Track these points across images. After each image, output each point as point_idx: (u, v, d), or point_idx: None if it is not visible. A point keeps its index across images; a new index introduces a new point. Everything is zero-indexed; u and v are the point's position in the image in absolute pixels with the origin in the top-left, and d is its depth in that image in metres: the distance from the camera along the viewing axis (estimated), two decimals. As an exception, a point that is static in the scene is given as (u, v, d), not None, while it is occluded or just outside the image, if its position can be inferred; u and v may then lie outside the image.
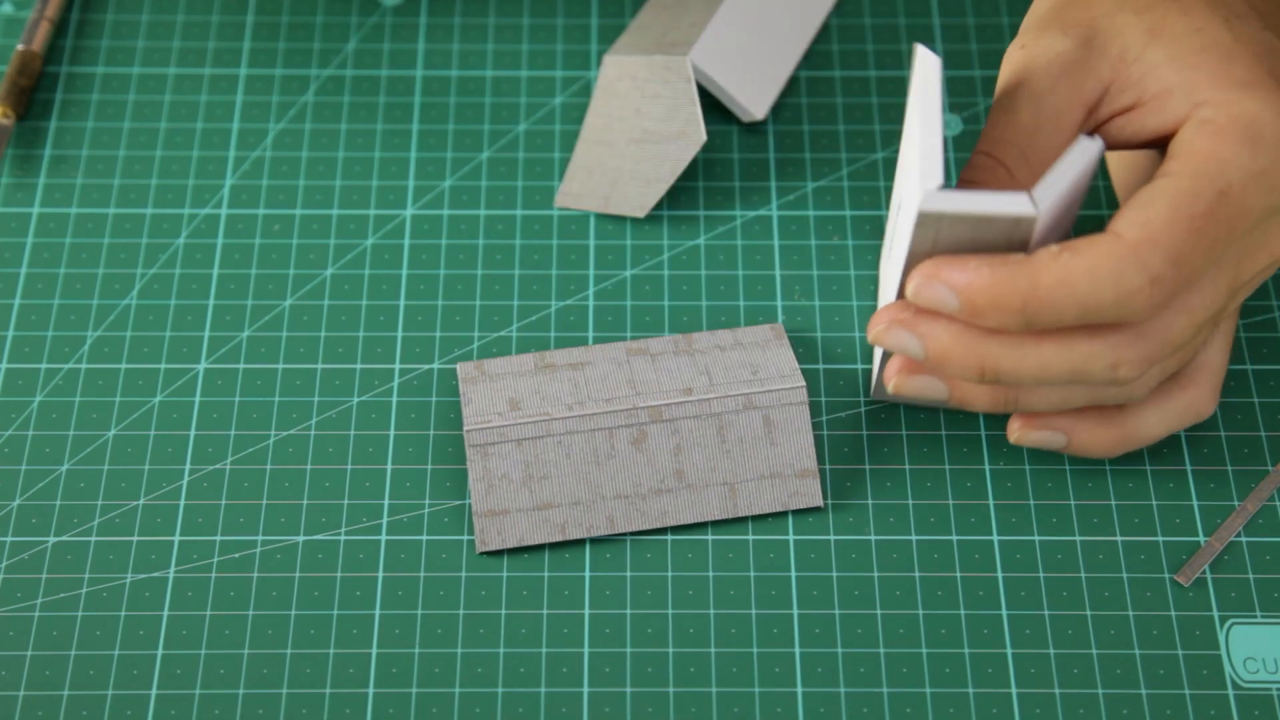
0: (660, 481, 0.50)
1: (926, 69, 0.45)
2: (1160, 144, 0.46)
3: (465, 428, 0.50)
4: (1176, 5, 0.46)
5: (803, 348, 0.53)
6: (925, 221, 0.43)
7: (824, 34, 0.60)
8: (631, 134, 0.47)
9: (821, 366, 0.53)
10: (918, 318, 0.45)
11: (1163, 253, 0.42)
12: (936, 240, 0.44)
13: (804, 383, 0.51)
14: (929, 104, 0.44)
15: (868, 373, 0.53)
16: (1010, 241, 0.44)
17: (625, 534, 0.50)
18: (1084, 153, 0.44)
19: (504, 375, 0.51)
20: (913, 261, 0.45)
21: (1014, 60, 0.47)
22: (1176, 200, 0.42)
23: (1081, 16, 0.47)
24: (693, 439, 0.50)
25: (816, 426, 0.52)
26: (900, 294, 0.47)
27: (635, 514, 0.50)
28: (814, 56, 0.60)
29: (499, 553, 0.50)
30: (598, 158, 0.46)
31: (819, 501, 0.50)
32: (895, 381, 0.47)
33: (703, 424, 0.50)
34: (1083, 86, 0.46)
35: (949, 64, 0.60)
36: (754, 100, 0.50)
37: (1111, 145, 0.47)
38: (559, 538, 0.49)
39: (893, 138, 0.58)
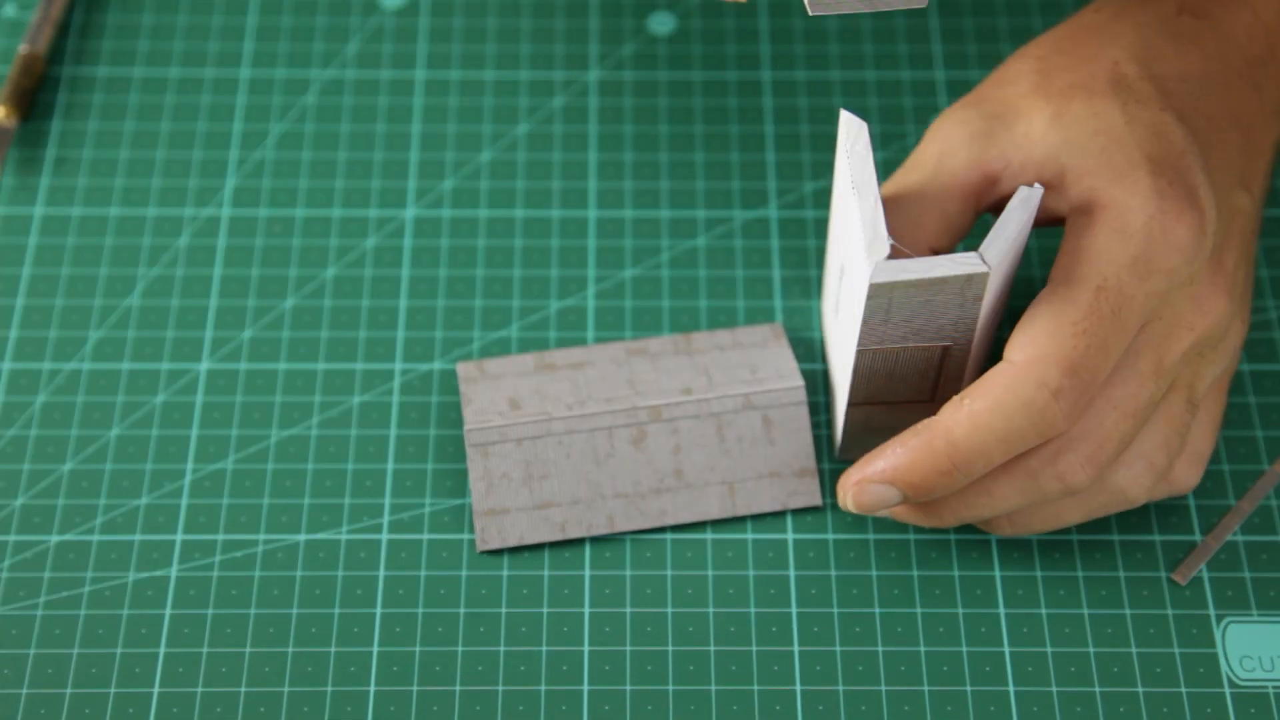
0: (660, 481, 0.50)
1: (853, 134, 0.45)
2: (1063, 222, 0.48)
3: (466, 427, 0.50)
4: (1083, 89, 0.47)
5: (802, 348, 0.54)
6: (878, 292, 0.43)
7: (822, 35, 0.61)
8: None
9: (821, 366, 0.53)
10: (881, 475, 0.46)
11: (1054, 365, 0.43)
12: (890, 307, 0.44)
13: (803, 382, 0.51)
14: (863, 171, 0.45)
15: None
16: (964, 299, 0.44)
17: (625, 533, 0.50)
18: (1025, 202, 0.44)
19: (504, 375, 0.51)
20: (868, 331, 0.45)
21: (931, 126, 0.49)
22: (1055, 310, 0.44)
23: (999, 95, 0.48)
24: (692, 438, 0.50)
25: (816, 426, 0.52)
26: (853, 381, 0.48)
27: (635, 513, 0.50)
28: (812, 59, 0.60)
29: (499, 551, 0.50)
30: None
31: (818, 500, 0.50)
32: (853, 496, 0.47)
33: (702, 424, 0.50)
34: (984, 155, 0.47)
35: (949, 64, 0.60)
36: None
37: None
38: (559, 537, 0.49)
39: (892, 139, 0.58)
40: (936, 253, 0.48)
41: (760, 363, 0.51)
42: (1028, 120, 0.47)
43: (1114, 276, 0.44)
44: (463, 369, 0.52)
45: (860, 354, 0.46)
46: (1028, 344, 0.44)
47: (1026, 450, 0.45)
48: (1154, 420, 0.46)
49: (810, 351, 0.53)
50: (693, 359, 0.52)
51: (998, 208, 0.48)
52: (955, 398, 0.45)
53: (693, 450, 0.50)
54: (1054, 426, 0.43)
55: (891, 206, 0.48)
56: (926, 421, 0.45)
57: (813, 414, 0.52)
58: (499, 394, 0.51)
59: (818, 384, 0.53)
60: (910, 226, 0.47)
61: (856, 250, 0.44)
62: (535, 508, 0.50)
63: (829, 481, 0.51)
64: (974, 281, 0.43)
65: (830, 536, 0.50)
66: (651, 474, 0.50)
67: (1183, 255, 0.44)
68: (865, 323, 0.45)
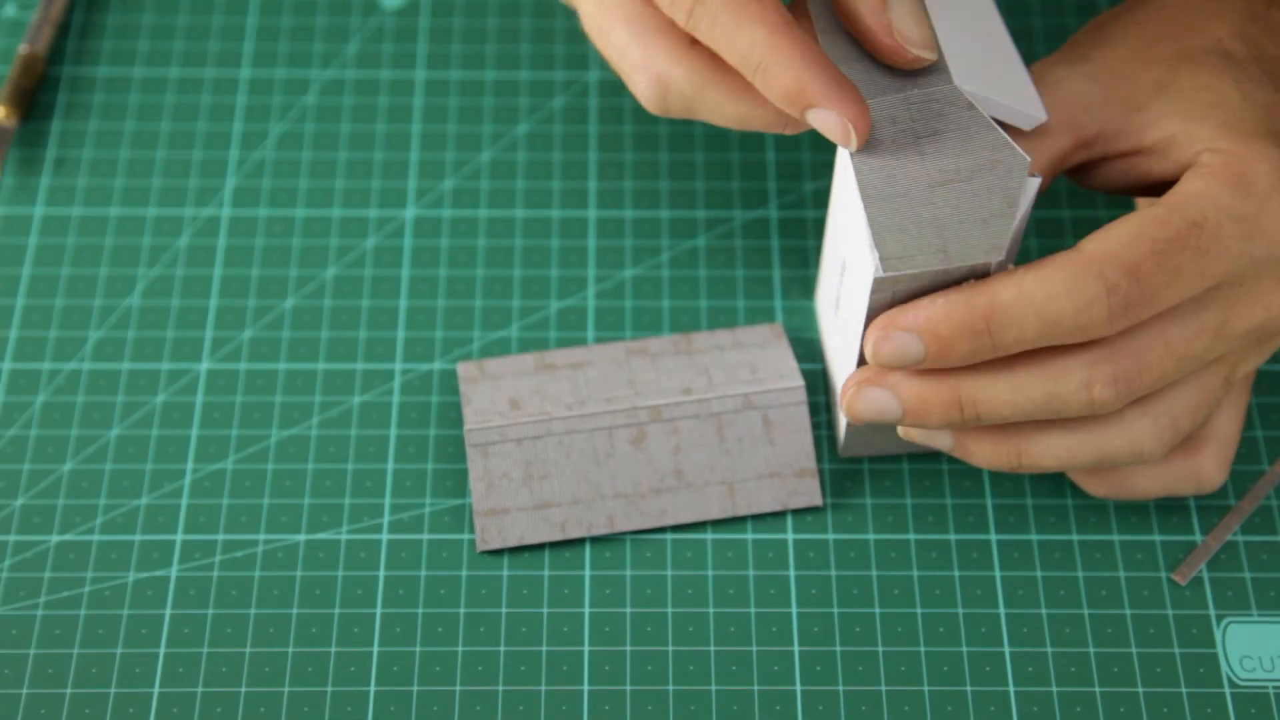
0: (660, 481, 0.50)
1: None
2: (1160, 190, 0.47)
3: (466, 427, 0.50)
4: (1187, 62, 0.46)
5: (802, 348, 0.54)
6: (881, 286, 0.43)
7: (823, 35, 0.61)
8: (929, 178, 0.44)
9: (821, 366, 0.53)
10: (885, 374, 0.45)
11: (1120, 265, 0.42)
12: (894, 300, 0.44)
13: (803, 382, 0.51)
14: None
15: None
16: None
17: (625, 533, 0.50)
18: (1026, 191, 0.44)
19: (504, 375, 0.51)
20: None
21: (1033, 73, 0.47)
22: (1143, 223, 0.43)
23: (1099, 56, 0.47)
24: (692, 438, 0.50)
25: (816, 426, 0.52)
26: (860, 360, 0.47)
27: (635, 513, 0.50)
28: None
29: (499, 551, 0.50)
30: (900, 212, 0.44)
31: (818, 501, 0.50)
32: (850, 397, 0.46)
33: (702, 424, 0.50)
34: (1079, 119, 0.46)
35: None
36: (1026, 101, 0.46)
37: (1105, 188, 0.48)
38: (559, 537, 0.49)
39: (891, 139, 0.58)
40: None
41: (760, 363, 0.51)
42: (1131, 86, 0.46)
43: (1216, 219, 0.43)
44: (463, 369, 0.52)
45: (865, 348, 0.46)
46: (1101, 240, 0.43)
47: (1062, 348, 0.44)
48: (1190, 382, 0.45)
49: (810, 351, 0.53)
50: (693, 359, 0.52)
51: (1076, 172, 0.48)
52: (1010, 267, 0.43)
53: (693, 450, 0.50)
54: (1097, 323, 0.42)
55: None
56: (971, 282, 0.44)
57: (813, 414, 0.52)
58: (499, 394, 0.51)
59: (818, 384, 0.53)
60: None
61: (860, 244, 0.44)
62: (535, 508, 0.50)
63: (829, 482, 0.51)
64: (977, 271, 0.43)
65: (830, 536, 0.50)
66: (651, 474, 0.50)
67: None
68: (870, 316, 0.45)
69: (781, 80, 0.43)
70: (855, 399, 0.46)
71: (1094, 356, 0.43)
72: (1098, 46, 0.47)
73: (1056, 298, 0.42)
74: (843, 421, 0.50)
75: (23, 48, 0.59)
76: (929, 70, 0.45)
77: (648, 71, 0.45)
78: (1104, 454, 0.46)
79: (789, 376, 0.51)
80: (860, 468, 0.51)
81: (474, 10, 0.62)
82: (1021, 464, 0.46)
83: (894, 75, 0.45)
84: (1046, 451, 0.46)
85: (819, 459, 0.51)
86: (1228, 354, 0.45)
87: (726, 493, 0.50)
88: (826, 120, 0.43)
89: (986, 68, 0.46)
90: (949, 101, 0.44)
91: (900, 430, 0.47)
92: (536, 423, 0.50)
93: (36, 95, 0.59)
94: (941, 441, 0.47)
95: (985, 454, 0.46)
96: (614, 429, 0.50)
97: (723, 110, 0.45)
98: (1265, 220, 0.43)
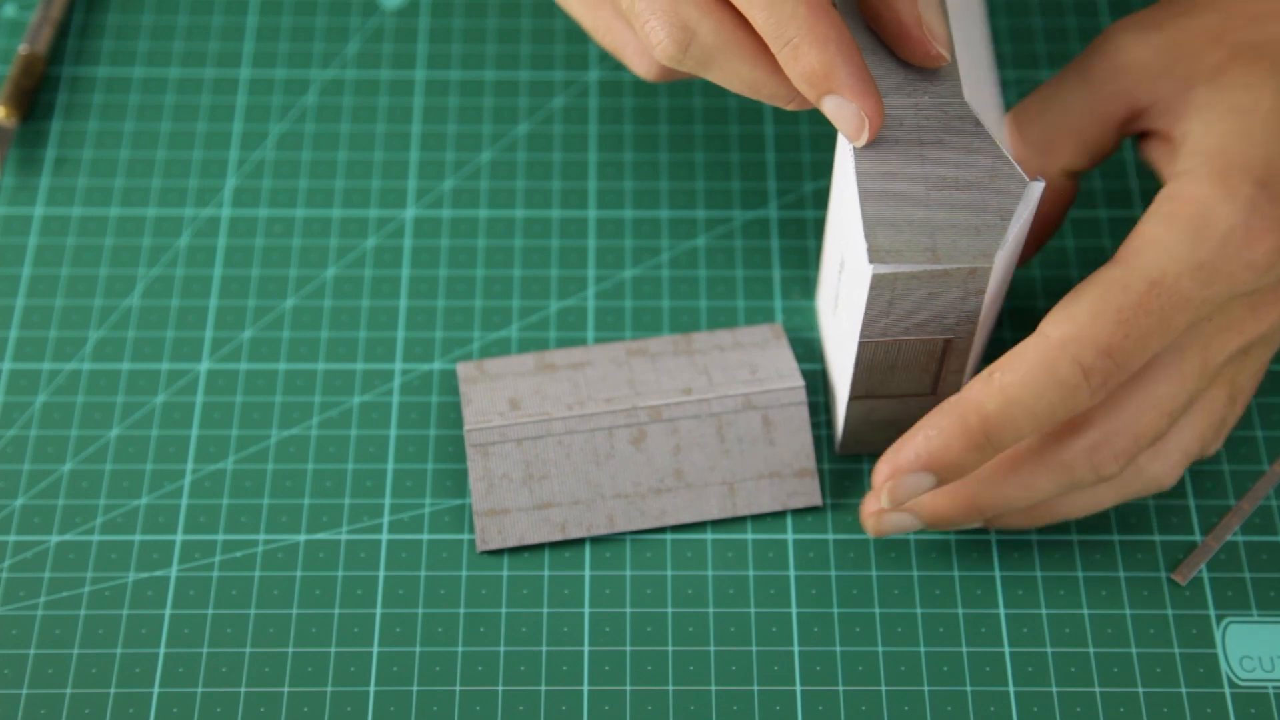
0: (660, 481, 0.50)
1: None
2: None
3: (466, 427, 0.50)
4: (1249, 54, 0.45)
5: (802, 348, 0.54)
6: (880, 283, 0.43)
7: (823, 36, 0.61)
8: (927, 182, 0.44)
9: (822, 366, 0.53)
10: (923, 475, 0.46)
11: (1091, 347, 0.43)
12: (893, 299, 0.44)
13: (803, 382, 0.51)
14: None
15: None
16: (966, 292, 0.44)
17: (625, 533, 0.50)
18: (1028, 196, 0.44)
19: (504, 375, 0.51)
20: (870, 323, 0.45)
21: (1107, 35, 0.47)
22: (1105, 292, 0.43)
23: (1180, 25, 0.47)
24: (692, 439, 0.50)
25: (815, 426, 0.52)
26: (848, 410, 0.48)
27: (635, 513, 0.50)
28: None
29: (499, 552, 0.50)
30: (895, 209, 0.44)
31: (818, 501, 0.50)
32: (872, 525, 0.48)
33: (702, 424, 0.50)
34: (1134, 89, 0.46)
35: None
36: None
37: (1147, 162, 0.48)
38: (559, 537, 0.49)
39: (891, 139, 0.58)
40: (1072, 175, 0.48)
41: (760, 363, 0.51)
42: (1192, 64, 0.45)
43: (1174, 275, 0.43)
44: (463, 369, 0.52)
45: (862, 346, 0.46)
46: (1066, 321, 0.43)
47: (1059, 436, 0.45)
48: (1193, 412, 0.46)
49: (810, 351, 0.53)
50: (693, 359, 0.52)
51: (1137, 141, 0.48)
52: (984, 372, 0.44)
53: (693, 450, 0.50)
54: (1081, 404, 0.43)
55: (1029, 118, 0.47)
56: (952, 401, 0.44)
57: (813, 414, 0.52)
58: (499, 394, 0.51)
59: (818, 384, 0.53)
60: (1045, 144, 0.46)
61: (855, 240, 0.44)
62: (535, 508, 0.50)
63: (829, 482, 0.51)
64: (977, 275, 0.43)
65: (830, 536, 0.50)
66: (651, 474, 0.50)
67: (1253, 273, 0.43)
68: (868, 314, 0.45)
69: (809, 60, 0.42)
70: (879, 525, 0.47)
71: (1091, 444, 0.45)
72: (1175, 16, 0.47)
73: (1042, 395, 0.43)
74: (840, 418, 0.50)
75: (23, 48, 0.59)
76: (941, 79, 0.45)
77: (674, 17, 0.43)
78: (1126, 496, 0.47)
79: (789, 376, 0.51)
80: (860, 467, 0.51)
81: (474, 10, 0.62)
82: (1056, 519, 0.48)
83: (906, 79, 0.45)
84: (1075, 508, 0.48)
85: (819, 459, 0.51)
86: (1219, 376, 0.46)
87: (727, 493, 0.50)
88: (843, 109, 0.43)
89: (981, 95, 0.46)
90: (958, 115, 0.44)
91: (869, 529, 0.48)
92: (536, 423, 0.50)
93: (36, 95, 0.59)
94: (914, 527, 0.48)
95: (1020, 524, 0.49)
96: (614, 429, 0.50)
97: (738, 72, 0.44)
98: (1222, 264, 0.43)
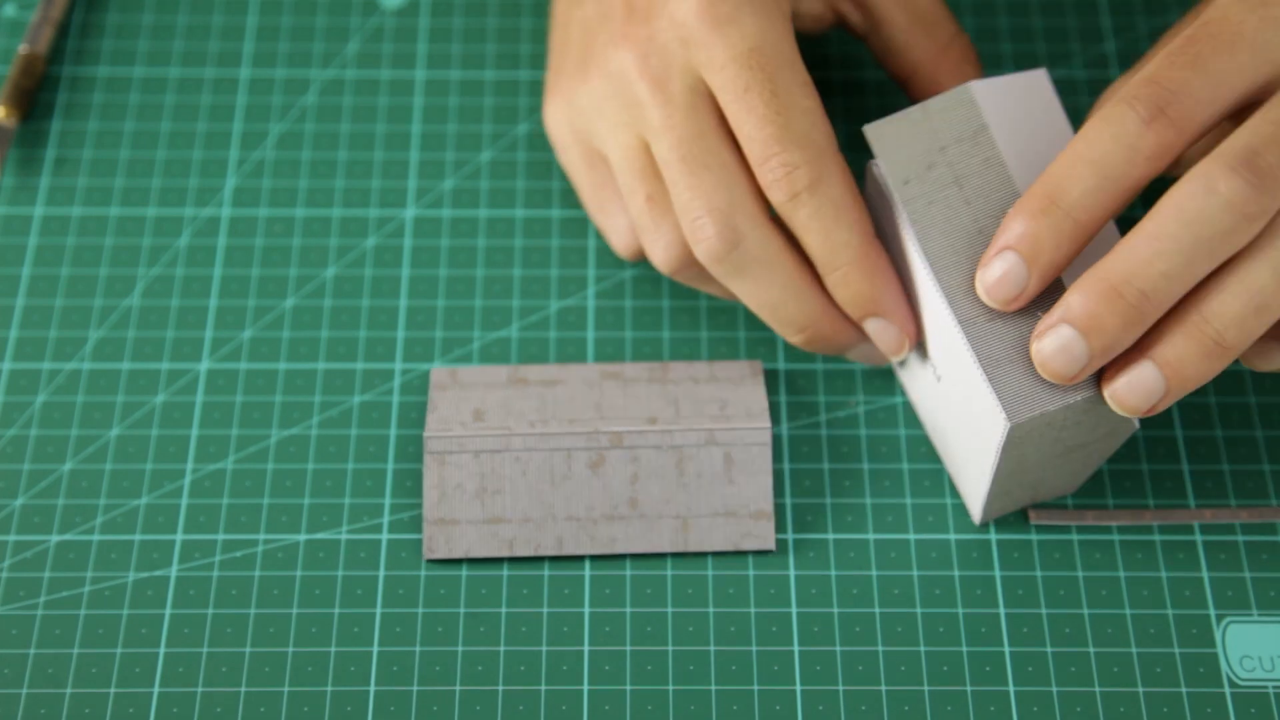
0: (613, 508, 0.50)
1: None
2: None
3: (425, 433, 0.50)
4: None
5: (803, 379, 0.54)
6: (1014, 441, 0.44)
7: (822, 37, 0.61)
8: (1051, 451, 0.46)
9: (793, 399, 0.53)
10: (1044, 316, 0.44)
11: (1137, 82, 0.42)
12: (1024, 440, 0.45)
13: (769, 424, 0.50)
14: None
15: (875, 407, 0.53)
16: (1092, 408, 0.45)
17: (579, 556, 0.50)
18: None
19: (475, 385, 0.51)
20: (1004, 462, 0.45)
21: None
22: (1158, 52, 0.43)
23: None
24: (651, 468, 0.50)
25: (777, 469, 0.52)
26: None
27: (585, 538, 0.49)
28: (812, 59, 0.60)
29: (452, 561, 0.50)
30: (1015, 481, 0.47)
31: (771, 545, 0.49)
32: (1042, 358, 0.43)
33: (662, 455, 0.50)
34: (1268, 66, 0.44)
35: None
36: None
37: None
38: (506, 553, 0.49)
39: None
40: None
41: (732, 399, 0.51)
42: None
43: (1227, 11, 0.42)
44: (436, 375, 0.52)
45: (1000, 467, 0.46)
46: (1125, 84, 0.44)
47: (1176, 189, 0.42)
48: None
49: (794, 384, 0.53)
50: (665, 388, 0.51)
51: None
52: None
53: (650, 480, 0.50)
54: (1132, 135, 0.41)
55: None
56: (1012, 210, 0.43)
57: (775, 453, 0.52)
58: (465, 404, 0.51)
59: (782, 415, 0.53)
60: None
61: (970, 379, 0.45)
62: (485, 521, 0.49)
63: (829, 482, 0.51)
64: (1093, 403, 0.44)
65: (830, 536, 0.50)
66: (606, 500, 0.50)
67: None
68: (1001, 459, 0.45)
69: (859, 286, 0.47)
70: (1040, 346, 0.43)
71: (1204, 168, 0.41)
72: None
73: (1094, 139, 0.42)
74: (980, 497, 0.48)
75: (23, 48, 0.59)
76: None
77: (727, 220, 0.47)
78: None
79: (757, 417, 0.50)
80: (859, 467, 0.51)
81: (474, 10, 0.62)
82: (1222, 336, 0.42)
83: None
84: (1231, 302, 0.42)
85: (819, 459, 0.51)
86: None
87: (680, 527, 0.49)
88: (886, 331, 0.48)
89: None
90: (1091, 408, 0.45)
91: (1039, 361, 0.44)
92: (496, 436, 0.50)
93: (36, 95, 0.59)
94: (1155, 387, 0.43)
95: (1186, 353, 0.43)
96: (573, 451, 0.50)
97: (767, 288, 0.48)
98: None
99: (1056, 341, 0.42)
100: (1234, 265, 0.42)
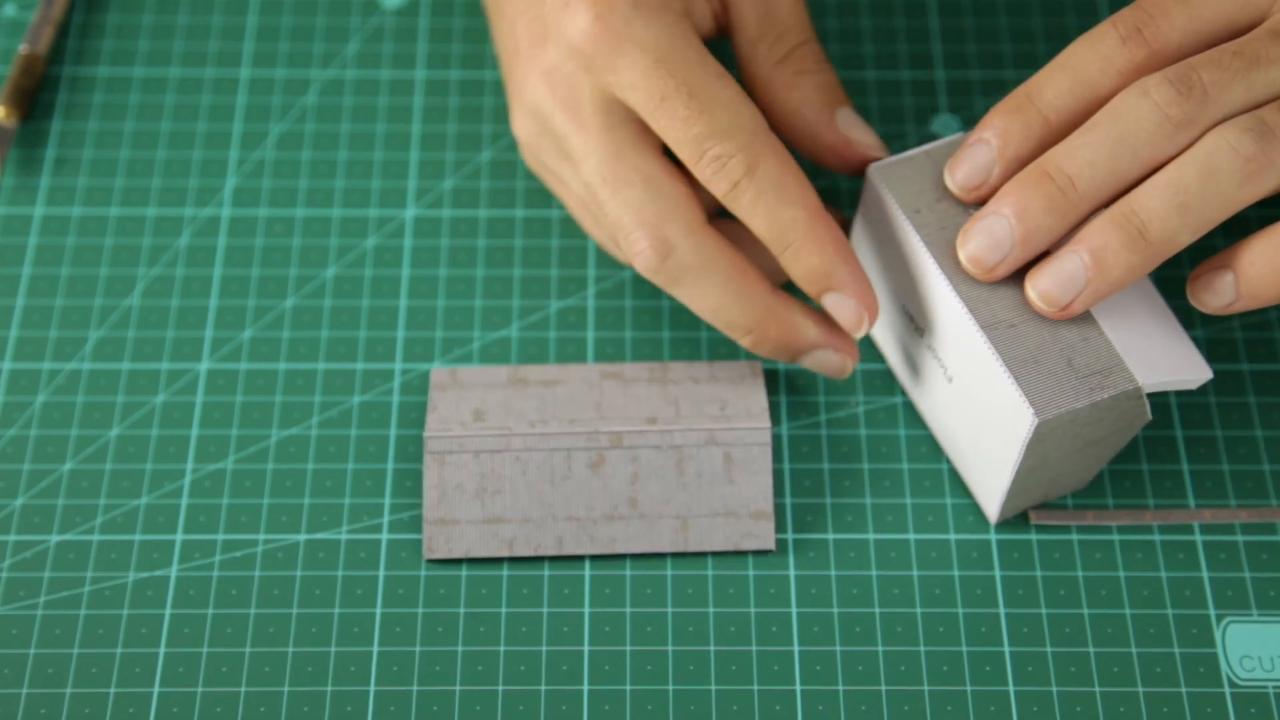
0: (613, 508, 0.50)
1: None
2: None
3: (425, 433, 0.50)
4: None
5: (803, 379, 0.53)
6: (1039, 437, 0.45)
7: (822, 36, 0.61)
8: (1070, 448, 0.46)
9: (791, 399, 0.53)
10: (994, 214, 0.45)
11: (1131, 7, 0.45)
12: (1047, 437, 0.45)
13: (769, 424, 0.50)
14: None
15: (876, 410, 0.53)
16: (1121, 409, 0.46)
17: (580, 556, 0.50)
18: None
19: (475, 385, 0.51)
20: (1028, 457, 0.46)
21: None
22: None
23: None
24: (651, 468, 0.50)
25: (777, 469, 0.52)
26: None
27: (585, 538, 0.49)
28: (813, 58, 0.60)
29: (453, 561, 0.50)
30: (1033, 479, 0.48)
31: (771, 545, 0.49)
32: (962, 242, 0.46)
33: (662, 455, 0.50)
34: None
35: (949, 64, 0.60)
36: (1191, 364, 0.46)
37: None
38: (506, 553, 0.49)
39: (892, 139, 0.58)
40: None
41: (731, 399, 0.51)
42: None
43: None
44: (436, 375, 0.52)
45: (1022, 462, 0.46)
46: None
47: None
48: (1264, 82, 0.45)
49: (794, 384, 0.53)
50: (665, 388, 0.51)
51: None
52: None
53: (650, 480, 0.50)
54: (1110, 52, 0.45)
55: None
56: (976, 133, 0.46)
57: (776, 453, 0.52)
58: (465, 404, 0.51)
59: (782, 415, 0.53)
60: None
61: (993, 379, 0.46)
62: (485, 521, 0.49)
63: (829, 481, 0.51)
64: (1128, 396, 0.45)
65: (830, 536, 0.50)
66: (606, 500, 0.50)
67: None
68: (1021, 466, 0.46)
69: (810, 261, 0.47)
70: (966, 239, 0.45)
71: (1143, 79, 0.44)
72: None
73: (1075, 50, 0.45)
74: (998, 496, 0.49)
75: (23, 48, 0.59)
76: (1089, 365, 0.45)
77: (657, 233, 0.47)
78: (1208, 172, 0.43)
79: (757, 417, 0.50)
80: (859, 467, 0.51)
81: (474, 10, 0.62)
82: (1146, 228, 0.44)
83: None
84: (1157, 195, 0.44)
85: (818, 459, 0.51)
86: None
87: (679, 527, 0.49)
88: (843, 304, 0.47)
89: (1147, 339, 0.46)
90: (1123, 402, 0.45)
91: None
92: (496, 436, 0.50)
93: (36, 95, 0.59)
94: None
95: (1110, 241, 0.44)
96: (573, 451, 0.50)
97: (706, 292, 0.48)
98: None
99: (982, 225, 0.45)
100: (1164, 168, 0.44)
